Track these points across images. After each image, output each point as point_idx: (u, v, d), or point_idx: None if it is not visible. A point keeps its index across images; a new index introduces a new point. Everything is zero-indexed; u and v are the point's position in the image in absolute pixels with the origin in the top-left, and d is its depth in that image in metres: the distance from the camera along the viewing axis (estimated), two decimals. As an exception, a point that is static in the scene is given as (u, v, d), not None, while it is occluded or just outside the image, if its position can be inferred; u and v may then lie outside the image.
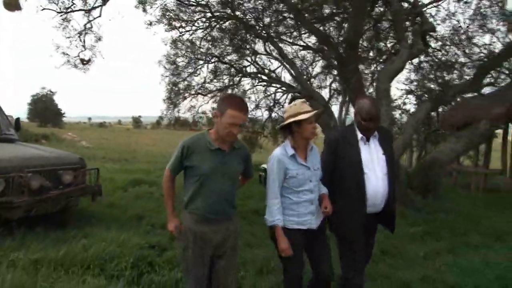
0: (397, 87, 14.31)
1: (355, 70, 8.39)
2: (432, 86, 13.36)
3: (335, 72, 11.59)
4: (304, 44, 10.99)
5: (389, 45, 11.10)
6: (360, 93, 8.69)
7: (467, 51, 10.88)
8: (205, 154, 2.83)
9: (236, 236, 3.07)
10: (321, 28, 9.28)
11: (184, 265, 3.00)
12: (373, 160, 3.32)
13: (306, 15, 8.69)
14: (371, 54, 11.47)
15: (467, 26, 10.48)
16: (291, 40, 11.28)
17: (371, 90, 11.60)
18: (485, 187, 12.44)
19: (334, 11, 8.96)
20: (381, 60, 11.32)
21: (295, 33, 10.74)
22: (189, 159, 2.85)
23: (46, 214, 5.50)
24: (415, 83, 14.68)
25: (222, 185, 2.86)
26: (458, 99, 12.40)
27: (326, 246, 3.25)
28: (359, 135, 3.34)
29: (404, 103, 15.73)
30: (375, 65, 11.84)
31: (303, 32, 10.19)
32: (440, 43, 11.71)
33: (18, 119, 7.27)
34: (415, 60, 11.82)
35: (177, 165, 2.92)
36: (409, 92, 15.43)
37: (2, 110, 6.83)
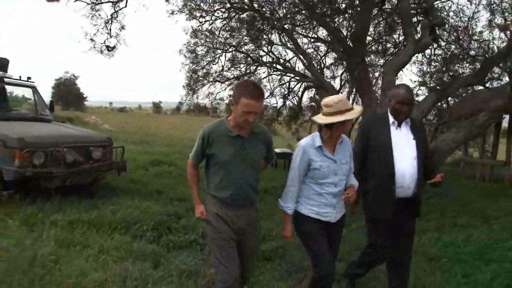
0: (411, 79, 14.64)
1: (361, 63, 8.90)
2: (444, 78, 13.74)
3: (344, 63, 12.10)
4: (316, 36, 11.53)
5: (397, 39, 11.54)
6: (365, 85, 9.24)
7: (475, 45, 11.23)
8: (225, 141, 2.81)
9: (257, 224, 3.10)
10: (331, 21, 9.80)
11: (212, 250, 2.96)
12: (403, 144, 3.42)
13: (317, 9, 9.22)
14: (379, 47, 11.94)
15: (470, 20, 10.83)
16: (305, 32, 11.81)
17: (379, 81, 12.09)
18: (491, 178, 12.89)
19: (344, 5, 9.47)
20: (388, 53, 11.79)
21: (308, 25, 11.26)
22: (210, 147, 2.83)
23: (79, 185, 6.31)
24: (428, 75, 15.06)
25: (244, 171, 2.84)
26: (468, 91, 12.81)
27: (338, 242, 3.28)
28: (391, 120, 3.47)
29: (417, 95, 16.14)
30: (383, 58, 12.30)
31: (315, 24, 10.73)
32: (452, 36, 12.07)
33: (52, 101, 8.10)
34: (428, 52, 12.23)
35: (199, 154, 2.92)
36: (422, 83, 15.82)
37: (39, 94, 7.66)
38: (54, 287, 3.35)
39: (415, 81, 15.31)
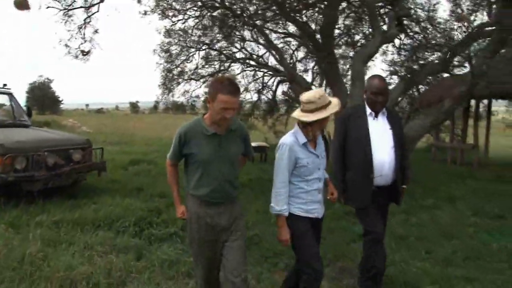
0: (382, 68, 15.04)
1: (329, 56, 9.24)
2: (414, 67, 14.18)
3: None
4: (286, 32, 11.83)
5: (366, 31, 11.93)
6: (334, 76, 9.60)
7: (438, 34, 11.65)
8: (202, 140, 2.80)
9: (242, 220, 3.04)
10: (299, 17, 10.10)
11: (191, 249, 3.02)
12: (380, 134, 3.50)
13: (286, 5, 9.51)
14: (349, 40, 12.32)
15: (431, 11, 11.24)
16: (275, 28, 12.09)
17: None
18: (462, 161, 13.43)
19: (311, 1, 9.77)
20: (358, 45, 12.17)
21: (278, 21, 11.54)
22: (187, 147, 2.82)
23: (61, 187, 6.51)
24: (399, 64, 15.50)
25: (222, 169, 2.83)
26: (436, 79, 13.30)
27: (320, 237, 3.31)
28: (368, 111, 3.55)
29: (389, 84, 16.58)
30: (353, 50, 12.67)
31: (284, 20, 11.02)
32: (417, 26, 12.48)
33: (29, 107, 8.26)
34: (398, 42, 12.63)
35: (176, 154, 2.91)
36: (393, 73, 16.27)
37: (16, 100, 7.80)
38: (43, 282, 3.57)
39: (386, 71, 15.77)
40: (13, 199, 5.89)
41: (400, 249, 5.04)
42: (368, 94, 3.54)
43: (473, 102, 14.27)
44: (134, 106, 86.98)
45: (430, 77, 13.06)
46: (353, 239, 5.30)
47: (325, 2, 9.48)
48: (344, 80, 11.61)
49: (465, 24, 9.26)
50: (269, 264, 4.45)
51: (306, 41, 10.45)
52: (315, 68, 13.43)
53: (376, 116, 3.55)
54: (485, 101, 15.10)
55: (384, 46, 12.98)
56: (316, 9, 10.76)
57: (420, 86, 15.60)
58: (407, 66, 14.80)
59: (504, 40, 8.22)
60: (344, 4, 11.24)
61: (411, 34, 12.48)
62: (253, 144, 11.71)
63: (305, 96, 3.04)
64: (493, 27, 8.71)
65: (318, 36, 9.84)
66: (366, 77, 9.97)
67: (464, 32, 9.53)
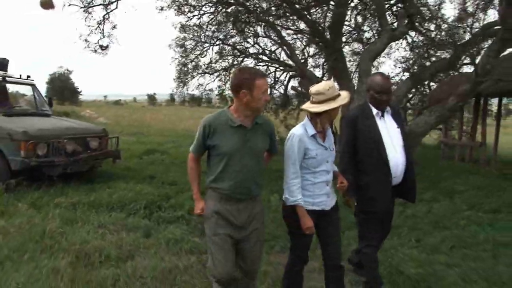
0: (396, 65, 15.19)
1: (337, 52, 9.53)
2: (427, 63, 14.34)
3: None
4: (297, 28, 12.13)
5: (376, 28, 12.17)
6: (342, 73, 9.90)
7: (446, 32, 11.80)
8: (227, 131, 2.73)
9: (262, 219, 2.99)
10: (309, 15, 10.42)
11: (208, 245, 2.91)
12: (390, 133, 3.42)
13: (296, 3, 9.84)
14: (358, 36, 12.59)
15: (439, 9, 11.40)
16: (286, 24, 12.40)
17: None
18: (471, 158, 13.56)
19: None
20: (369, 41, 12.43)
21: (289, 18, 11.85)
22: (212, 138, 2.75)
23: (78, 172, 7.00)
24: (411, 61, 15.65)
25: (247, 163, 2.76)
26: (447, 77, 13.49)
27: (337, 229, 3.27)
28: (375, 111, 3.44)
29: (402, 80, 16.73)
30: (363, 46, 12.93)
31: (295, 18, 11.34)
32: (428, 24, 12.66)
33: (50, 98, 8.81)
34: (410, 39, 12.83)
35: (200, 146, 2.82)
36: (405, 70, 16.42)
37: (39, 91, 8.33)
38: (61, 253, 4.03)
39: (398, 67, 15.93)
40: (35, 182, 6.41)
41: (392, 238, 5.35)
42: (372, 93, 3.44)
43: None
44: (151, 98, 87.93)
45: (441, 75, 13.26)
46: (348, 227, 5.62)
47: (334, 1, 9.77)
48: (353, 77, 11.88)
49: (464, 24, 9.45)
50: (267, 247, 4.82)
51: (315, 38, 10.74)
52: (325, 64, 13.69)
53: (382, 115, 3.47)
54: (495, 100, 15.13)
55: (397, 43, 13.30)
56: (325, 7, 11.03)
57: (432, 84, 15.83)
58: (419, 63, 15.00)
59: (508, 39, 8.40)
60: (353, 2, 11.55)
61: (424, 31, 12.67)
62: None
63: (314, 88, 3.07)
64: (498, 27, 8.89)
65: (327, 33, 10.13)
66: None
67: (468, 31, 9.72)
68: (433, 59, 13.56)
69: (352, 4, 11.67)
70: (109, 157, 7.54)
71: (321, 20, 11.33)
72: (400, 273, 4.21)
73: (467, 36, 10.49)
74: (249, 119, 2.77)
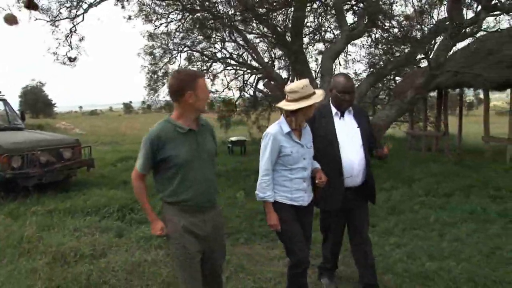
0: (362, 62, 15.69)
1: (298, 53, 9.95)
2: (392, 59, 14.91)
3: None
4: (260, 32, 12.55)
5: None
6: (305, 72, 10.34)
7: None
8: (177, 140, 2.60)
9: (223, 227, 2.97)
10: (269, 19, 10.84)
11: (177, 267, 2.74)
12: (348, 133, 3.41)
13: (255, 9, 10.26)
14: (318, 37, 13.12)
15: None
16: (251, 28, 12.81)
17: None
18: (437, 148, 14.16)
19: (278, 5, 10.53)
20: (329, 42, 12.96)
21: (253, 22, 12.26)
22: (163, 151, 2.58)
23: (53, 182, 7.29)
24: (376, 58, 16.20)
25: (203, 168, 2.67)
26: (409, 71, 14.11)
27: (310, 226, 3.35)
28: (334, 110, 3.46)
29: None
30: (324, 46, 13.45)
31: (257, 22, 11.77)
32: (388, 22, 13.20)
33: (23, 111, 9.08)
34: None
35: (148, 162, 2.63)
36: (371, 65, 16.99)
37: (10, 106, 8.59)
38: (39, 255, 4.35)
39: (365, 63, 16.42)
40: (11, 194, 6.69)
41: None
42: (334, 92, 3.45)
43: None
44: (127, 106, 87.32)
45: (403, 70, 13.85)
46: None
47: (292, 6, 10.22)
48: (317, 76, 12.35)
49: (412, 22, 10.03)
50: (232, 239, 5.21)
51: (276, 41, 11.18)
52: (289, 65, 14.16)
53: (342, 115, 3.49)
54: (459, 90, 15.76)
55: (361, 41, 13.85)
56: (284, 11, 11.49)
57: (398, 78, 16.46)
58: (385, 59, 15.55)
59: (457, 34, 8.95)
60: (315, 4, 12.04)
61: (386, 27, 13.21)
62: (232, 138, 12.57)
63: (289, 86, 3.11)
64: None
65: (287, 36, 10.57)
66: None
67: (420, 29, 10.28)
68: (397, 54, 14.15)
69: (315, 6, 12.18)
70: (83, 166, 7.85)
71: (281, 24, 11.76)
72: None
73: (421, 33, 11.04)
74: (195, 122, 2.70)
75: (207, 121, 2.87)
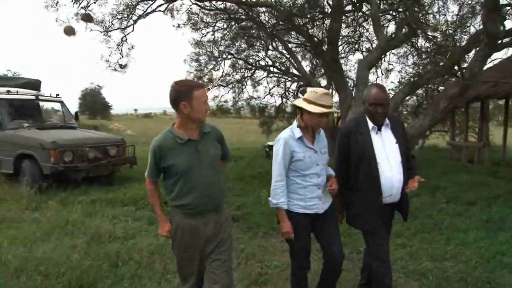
0: (407, 71, 15.71)
1: (334, 62, 10.35)
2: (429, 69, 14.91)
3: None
4: (300, 41, 13.05)
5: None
6: (340, 81, 10.71)
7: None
8: (178, 149, 2.72)
9: (229, 227, 2.97)
10: (306, 30, 11.32)
11: (177, 262, 2.93)
12: (386, 150, 3.21)
13: (295, 20, 10.77)
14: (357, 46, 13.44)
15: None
16: (291, 38, 13.34)
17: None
18: (479, 159, 14.00)
19: (316, 16, 10.98)
20: (362, 51, 13.26)
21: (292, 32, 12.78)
22: (164, 160, 2.73)
23: (99, 175, 8.15)
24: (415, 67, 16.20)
25: (204, 175, 2.76)
26: (448, 81, 14.13)
27: (335, 229, 3.22)
28: (371, 125, 3.23)
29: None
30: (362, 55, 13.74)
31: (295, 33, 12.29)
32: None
33: (76, 112, 10.12)
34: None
35: (154, 170, 2.82)
36: (415, 75, 16.97)
37: (66, 107, 9.61)
38: (81, 234, 5.10)
39: (409, 73, 16.36)
40: (62, 184, 7.56)
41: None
42: (367, 105, 3.25)
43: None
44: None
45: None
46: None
47: (329, 17, 10.65)
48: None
49: (439, 33, 10.15)
50: (252, 233, 5.74)
51: (312, 50, 11.64)
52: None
53: (379, 129, 3.26)
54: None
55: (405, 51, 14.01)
56: (322, 22, 11.93)
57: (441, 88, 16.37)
58: (431, 68, 15.46)
59: (492, 45, 9.03)
60: (352, 15, 12.39)
61: (430, 37, 13.31)
62: (269, 143, 13.10)
63: (313, 88, 3.14)
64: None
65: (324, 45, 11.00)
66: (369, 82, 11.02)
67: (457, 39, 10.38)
68: (441, 63, 14.09)
69: (351, 17, 12.52)
70: (126, 163, 8.67)
71: (317, 34, 12.20)
72: (358, 252, 4.94)
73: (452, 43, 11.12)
74: (195, 131, 2.78)
75: (215, 128, 2.94)
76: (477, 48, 10.50)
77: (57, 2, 9.28)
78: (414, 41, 13.08)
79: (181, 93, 2.68)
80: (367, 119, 3.26)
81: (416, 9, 11.78)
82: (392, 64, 14.93)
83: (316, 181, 3.09)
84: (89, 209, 6.29)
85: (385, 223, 3.34)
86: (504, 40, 9.97)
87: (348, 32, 13.19)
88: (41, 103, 9.86)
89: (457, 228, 6.05)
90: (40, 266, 3.88)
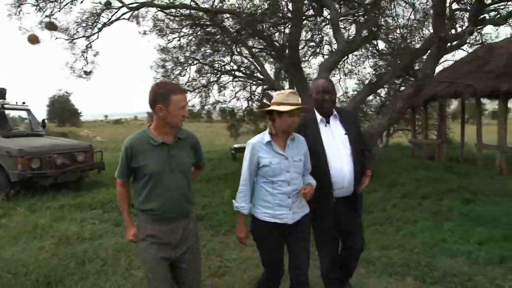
0: (370, 72, 16.27)
1: (295, 65, 10.74)
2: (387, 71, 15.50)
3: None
4: (263, 46, 13.44)
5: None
6: (302, 83, 11.12)
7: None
8: (150, 151, 2.67)
9: (197, 236, 2.93)
10: (268, 35, 11.73)
11: (145, 270, 2.86)
12: (335, 141, 3.21)
13: (257, 26, 11.14)
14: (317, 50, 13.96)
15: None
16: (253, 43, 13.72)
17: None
18: (439, 156, 14.61)
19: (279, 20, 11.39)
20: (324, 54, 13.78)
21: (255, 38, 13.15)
22: (135, 160, 2.68)
23: (67, 181, 8.32)
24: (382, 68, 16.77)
25: (174, 181, 2.71)
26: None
27: (304, 243, 3.06)
28: (319, 117, 3.25)
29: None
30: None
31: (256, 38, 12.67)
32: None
33: (44, 120, 10.23)
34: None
35: (125, 169, 2.77)
36: (376, 76, 17.59)
37: (33, 114, 9.72)
38: (49, 237, 5.32)
39: (368, 73, 16.90)
40: (30, 191, 7.73)
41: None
42: (315, 94, 3.30)
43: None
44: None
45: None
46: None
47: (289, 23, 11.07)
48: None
49: (391, 37, 10.70)
50: (214, 230, 6.08)
51: (274, 54, 12.05)
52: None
53: (328, 121, 3.29)
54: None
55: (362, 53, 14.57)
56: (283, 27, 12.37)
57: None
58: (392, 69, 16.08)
59: (442, 48, 9.59)
60: (312, 20, 12.87)
61: (389, 39, 13.88)
62: (235, 145, 13.43)
63: (281, 91, 3.05)
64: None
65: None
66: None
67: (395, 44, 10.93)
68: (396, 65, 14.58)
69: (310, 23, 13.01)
70: (94, 169, 8.86)
71: (280, 39, 12.63)
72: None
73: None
74: (170, 135, 2.74)
75: (191, 134, 2.89)
76: (429, 51, 11.14)
77: (20, 10, 9.39)
78: (374, 43, 13.69)
79: (159, 95, 2.64)
80: (315, 112, 3.31)
81: (374, 13, 12.35)
82: (353, 66, 15.45)
83: (285, 190, 2.94)
84: (58, 214, 6.49)
85: (345, 217, 3.28)
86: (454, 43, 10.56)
87: (311, 36, 13.66)
88: (6, 111, 9.93)
89: (408, 220, 6.46)
90: (9, 266, 4.09)
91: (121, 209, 2.95)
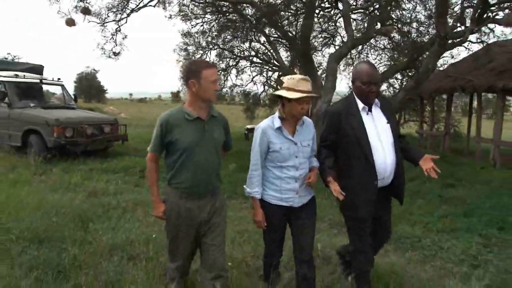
0: (386, 63, 16.75)
1: (305, 55, 11.58)
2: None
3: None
4: (277, 35, 14.26)
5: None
6: (311, 72, 11.95)
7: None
8: (185, 126, 2.73)
9: (223, 211, 2.97)
10: (281, 25, 12.55)
11: (168, 242, 2.96)
12: (378, 131, 3.05)
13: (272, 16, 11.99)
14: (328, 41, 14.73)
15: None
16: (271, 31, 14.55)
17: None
18: (444, 147, 15.24)
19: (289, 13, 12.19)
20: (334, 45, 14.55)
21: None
22: (170, 134, 2.73)
23: (96, 150, 9.59)
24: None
25: (206, 156, 2.76)
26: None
27: (309, 225, 3.08)
28: (361, 105, 3.08)
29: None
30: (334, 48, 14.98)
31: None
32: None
33: (75, 95, 11.48)
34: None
35: (158, 143, 2.80)
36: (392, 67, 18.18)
37: (66, 90, 10.96)
38: (81, 191, 6.47)
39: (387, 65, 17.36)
40: (63, 156, 8.95)
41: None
42: (358, 84, 3.06)
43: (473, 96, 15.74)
44: (175, 95, 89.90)
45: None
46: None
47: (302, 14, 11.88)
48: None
49: (390, 35, 11.41)
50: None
51: (287, 43, 12.88)
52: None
53: (370, 109, 3.11)
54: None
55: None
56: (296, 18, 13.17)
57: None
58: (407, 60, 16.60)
59: (442, 44, 10.28)
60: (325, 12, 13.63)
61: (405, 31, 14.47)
62: (248, 126, 14.41)
63: (292, 75, 2.99)
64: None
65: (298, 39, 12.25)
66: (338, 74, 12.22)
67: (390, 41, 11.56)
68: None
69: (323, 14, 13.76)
70: (119, 140, 10.08)
71: (292, 29, 13.46)
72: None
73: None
74: (204, 111, 2.81)
75: (221, 114, 2.97)
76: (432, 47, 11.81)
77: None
78: (388, 36, 14.28)
79: (191, 71, 2.74)
80: (356, 99, 3.11)
81: (390, 7, 12.95)
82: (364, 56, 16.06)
83: (294, 174, 2.97)
84: (87, 175, 7.63)
85: (380, 209, 3.17)
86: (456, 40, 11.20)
87: (325, 28, 14.43)
88: (44, 86, 11.18)
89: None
90: (53, 207, 5.19)
91: (150, 183, 2.93)
